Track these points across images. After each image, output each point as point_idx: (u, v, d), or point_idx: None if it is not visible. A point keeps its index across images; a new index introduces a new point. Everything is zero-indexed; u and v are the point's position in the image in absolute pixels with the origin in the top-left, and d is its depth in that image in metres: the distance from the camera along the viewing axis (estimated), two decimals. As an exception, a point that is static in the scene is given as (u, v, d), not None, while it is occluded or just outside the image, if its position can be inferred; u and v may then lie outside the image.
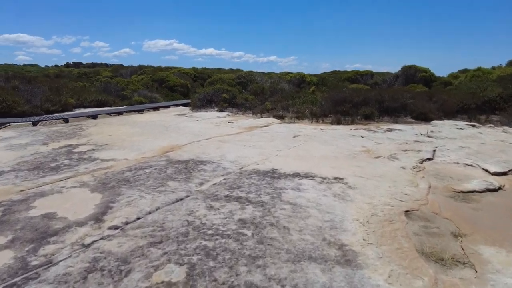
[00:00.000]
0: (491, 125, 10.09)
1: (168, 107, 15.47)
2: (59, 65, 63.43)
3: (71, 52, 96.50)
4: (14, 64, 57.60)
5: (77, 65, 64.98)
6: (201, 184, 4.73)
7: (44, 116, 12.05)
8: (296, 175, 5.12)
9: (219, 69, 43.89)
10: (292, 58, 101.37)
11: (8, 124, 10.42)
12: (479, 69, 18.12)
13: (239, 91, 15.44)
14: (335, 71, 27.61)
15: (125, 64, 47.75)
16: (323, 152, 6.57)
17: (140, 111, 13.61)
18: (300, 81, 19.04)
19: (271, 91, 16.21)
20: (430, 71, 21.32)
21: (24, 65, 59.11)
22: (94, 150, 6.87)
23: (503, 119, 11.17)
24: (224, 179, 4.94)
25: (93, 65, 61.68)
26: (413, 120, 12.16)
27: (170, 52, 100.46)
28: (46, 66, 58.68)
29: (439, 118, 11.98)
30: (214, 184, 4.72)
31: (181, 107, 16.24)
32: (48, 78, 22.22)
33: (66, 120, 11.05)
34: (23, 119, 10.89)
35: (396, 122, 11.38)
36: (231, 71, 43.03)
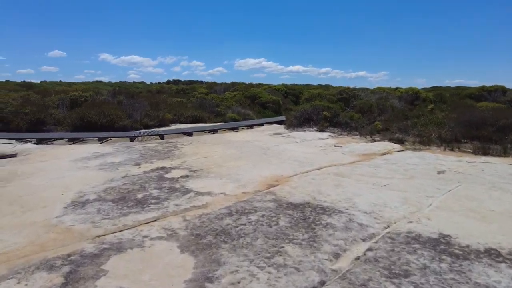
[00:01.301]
0: None
1: (262, 124, 14.38)
2: (161, 82, 70.04)
3: (172, 70, 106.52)
4: (126, 82, 65.59)
5: (176, 82, 70.72)
6: (335, 256, 3.04)
7: (142, 131, 11.96)
8: (491, 253, 3.07)
9: (307, 85, 42.42)
10: (383, 73, 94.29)
11: (110, 139, 10.40)
12: None
13: (341, 108, 13.54)
14: (459, 87, 23.47)
15: (218, 81, 49.81)
16: (507, 206, 4.29)
17: (235, 129, 12.73)
18: (413, 98, 16.23)
19: (380, 108, 13.89)
20: None
21: (134, 82, 66.78)
22: (187, 177, 5.80)
23: None
24: (370, 248, 3.17)
25: (190, 82, 66.28)
26: None
27: (259, 70, 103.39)
28: (151, 82, 65.26)
29: None
30: (358, 258, 2.98)
31: (275, 125, 15.01)
32: (150, 94, 23.54)
33: (161, 137, 10.64)
34: (123, 134, 10.82)
35: None
36: (320, 86, 41.19)
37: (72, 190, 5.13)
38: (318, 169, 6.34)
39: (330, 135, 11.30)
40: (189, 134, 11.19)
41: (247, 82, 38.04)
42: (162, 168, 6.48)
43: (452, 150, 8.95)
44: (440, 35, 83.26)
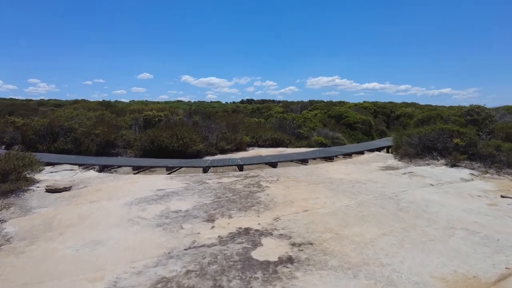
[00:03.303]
0: None
1: (362, 152, 11.42)
2: (236, 101, 70.98)
3: (245, 90, 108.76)
4: (204, 101, 67.91)
5: (249, 101, 71.10)
6: None
7: (217, 158, 9.98)
8: None
9: (392, 102, 37.52)
10: (472, 90, 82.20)
11: (179, 168, 8.57)
12: None
13: (475, 134, 9.92)
14: None
15: (289, 100, 47.76)
16: None
17: (329, 158, 10.02)
18: None
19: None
20: None
21: (211, 101, 68.71)
22: (292, 262, 3.31)
23: None
24: None
25: (263, 101, 65.87)
26: None
27: (332, 88, 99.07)
28: (226, 102, 66.43)
29: None
30: None
31: (376, 152, 11.92)
32: (226, 113, 22.16)
33: (240, 167, 8.46)
34: (195, 162, 8.92)
35: None
36: (413, 104, 36.04)
37: (104, 278, 3.02)
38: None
39: (472, 173, 7.89)
40: (273, 164, 8.83)
41: (317, 100, 34.93)
42: (247, 232, 4.11)
43: None
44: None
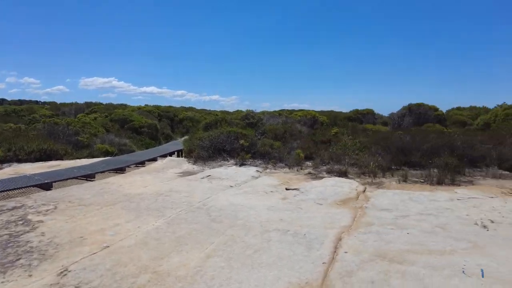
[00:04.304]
0: None
1: (154, 159, 10.66)
2: (-28, 101, 53.76)
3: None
4: None
5: (0, 101, 55.74)
6: None
7: None
8: None
9: (171, 106, 39.01)
10: (234, 98, 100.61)
11: None
12: (509, 107, 16.43)
13: (254, 135, 11.31)
14: (332, 111, 24.83)
15: (59, 101, 40.83)
16: None
17: (120, 170, 8.64)
18: (312, 122, 15.56)
19: (291, 134, 12.37)
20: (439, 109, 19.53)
21: None
22: None
23: None
24: None
25: (21, 102, 53.27)
26: (507, 172, 9.06)
27: (108, 90, 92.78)
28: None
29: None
30: None
31: (169, 157, 11.52)
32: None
33: (-11, 196, 5.83)
34: None
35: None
36: (185, 108, 38.58)
37: None
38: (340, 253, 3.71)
39: (257, 170, 8.81)
40: (46, 186, 6.65)
41: (95, 102, 31.53)
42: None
43: (405, 181, 7.86)
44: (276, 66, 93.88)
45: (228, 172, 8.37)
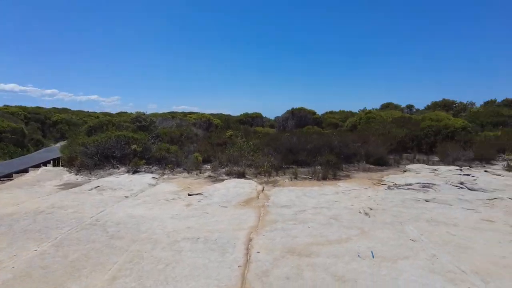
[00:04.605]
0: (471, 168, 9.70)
1: (25, 170, 8.92)
2: None
3: None
4: None
5: None
6: None
7: None
8: None
9: (39, 107, 33.65)
10: (116, 98, 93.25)
11: None
12: (370, 111, 19.59)
13: (148, 139, 10.61)
14: (221, 114, 25.14)
15: None
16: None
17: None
18: (207, 124, 15.53)
19: (188, 137, 12.10)
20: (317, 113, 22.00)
21: None
22: None
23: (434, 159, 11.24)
24: None
25: None
26: (373, 166, 10.89)
27: None
28: None
29: (397, 162, 11.25)
30: None
31: (43, 168, 9.85)
32: None
33: None
34: None
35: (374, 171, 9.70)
36: (58, 110, 33.76)
37: None
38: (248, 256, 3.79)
39: (154, 177, 8.30)
40: None
41: None
42: None
43: (296, 178, 8.57)
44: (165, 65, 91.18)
45: (121, 181, 7.64)
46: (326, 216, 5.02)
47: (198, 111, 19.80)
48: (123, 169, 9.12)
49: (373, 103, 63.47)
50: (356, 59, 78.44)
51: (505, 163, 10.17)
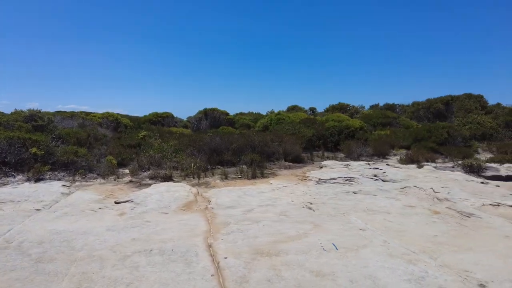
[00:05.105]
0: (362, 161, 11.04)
1: None
2: None
3: None
4: None
5: None
6: None
7: None
8: None
9: None
10: None
11: None
12: (279, 113, 20.57)
13: (50, 140, 9.01)
14: (131, 116, 23.04)
15: None
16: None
17: None
18: (115, 124, 14.06)
19: (97, 139, 10.77)
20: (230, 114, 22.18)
21: None
22: None
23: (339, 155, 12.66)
24: None
25: None
26: (291, 163, 11.55)
27: None
28: None
29: (311, 160, 12.16)
30: None
31: None
32: None
33: None
34: None
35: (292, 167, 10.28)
36: None
37: None
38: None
39: (64, 185, 7.13)
40: None
41: None
42: None
43: (226, 178, 8.46)
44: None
45: (23, 192, 6.30)
46: (275, 213, 5.06)
47: (89, 111, 17.56)
48: (20, 177, 7.56)
49: (279, 105, 67.27)
50: (263, 64, 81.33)
51: (398, 157, 11.96)
